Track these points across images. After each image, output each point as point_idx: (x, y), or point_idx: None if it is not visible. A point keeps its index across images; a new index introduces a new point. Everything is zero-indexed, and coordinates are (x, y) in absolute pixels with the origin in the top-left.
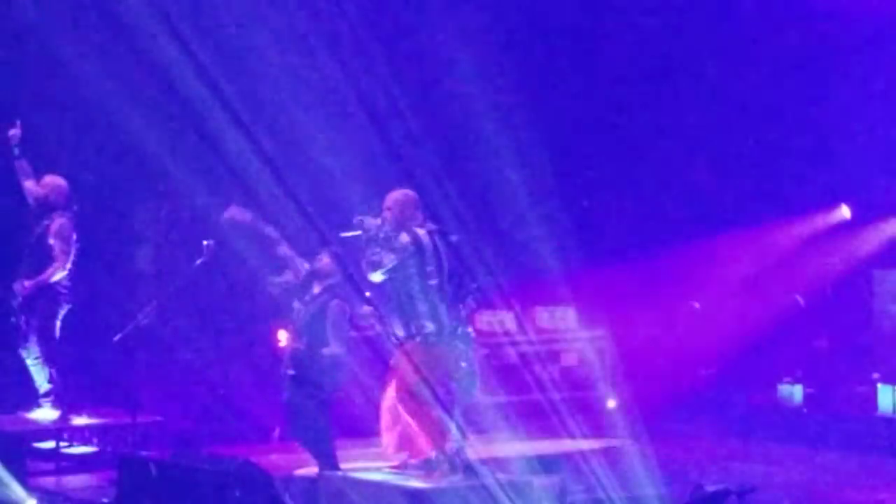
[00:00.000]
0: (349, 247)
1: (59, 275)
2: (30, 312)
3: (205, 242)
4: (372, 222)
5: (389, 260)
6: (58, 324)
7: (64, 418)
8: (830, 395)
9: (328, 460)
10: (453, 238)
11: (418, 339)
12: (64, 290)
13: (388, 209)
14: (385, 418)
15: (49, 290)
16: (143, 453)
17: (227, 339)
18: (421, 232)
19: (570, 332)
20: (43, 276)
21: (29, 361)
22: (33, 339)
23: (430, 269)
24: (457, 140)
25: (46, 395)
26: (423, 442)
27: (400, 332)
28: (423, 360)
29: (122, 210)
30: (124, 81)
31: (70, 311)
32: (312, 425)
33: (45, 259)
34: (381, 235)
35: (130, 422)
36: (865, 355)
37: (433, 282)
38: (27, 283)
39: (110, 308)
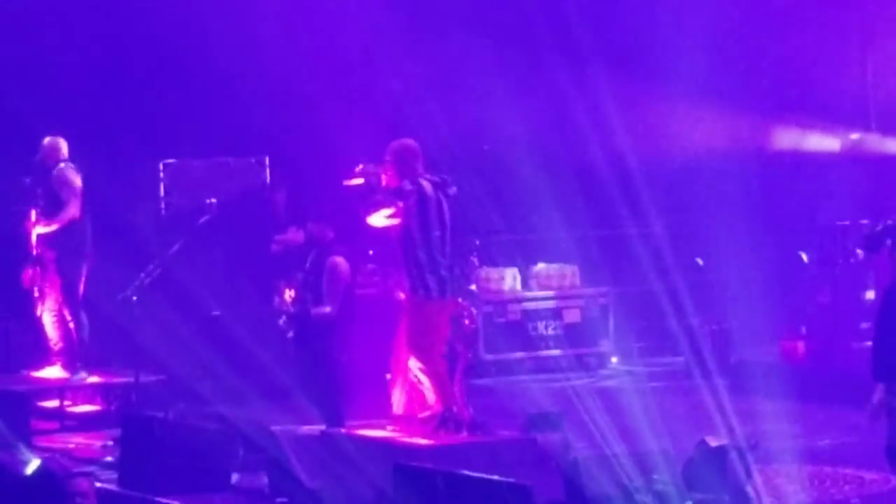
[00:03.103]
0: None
1: (73, 212)
2: (43, 267)
3: (208, 200)
4: (372, 168)
5: (392, 205)
6: (82, 280)
7: (72, 377)
8: (834, 351)
9: (334, 418)
10: (452, 190)
11: (421, 293)
12: (86, 246)
13: (388, 159)
14: (394, 375)
15: (71, 244)
16: (147, 412)
17: (231, 298)
18: (425, 183)
19: (573, 289)
20: (56, 220)
21: (46, 318)
22: (53, 295)
23: (432, 219)
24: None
25: (60, 353)
26: (429, 398)
27: (404, 287)
28: (427, 318)
29: (124, 166)
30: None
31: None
32: (320, 383)
33: (54, 208)
34: (384, 185)
35: (134, 381)
36: (869, 311)
37: (436, 233)
38: (42, 224)
39: (113, 267)
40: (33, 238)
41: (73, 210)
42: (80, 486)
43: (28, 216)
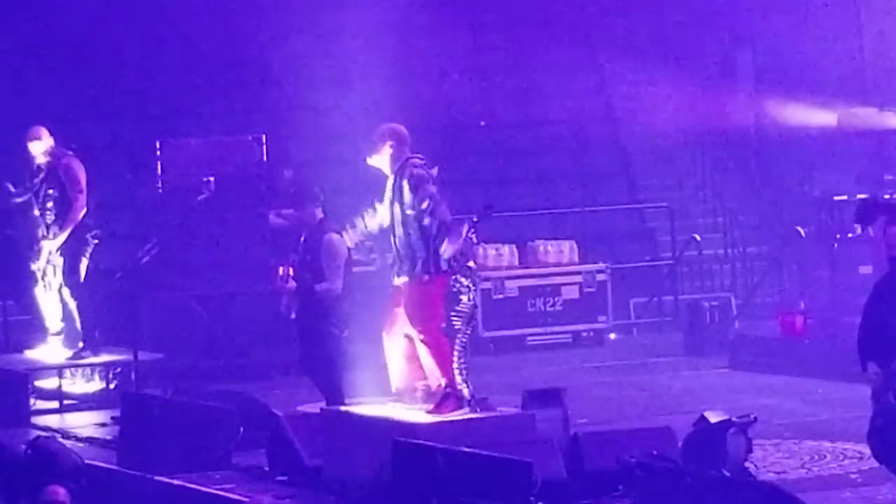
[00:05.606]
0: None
1: (81, 212)
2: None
3: (205, 178)
4: (371, 223)
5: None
6: (84, 261)
7: (74, 356)
8: (832, 325)
9: (335, 395)
10: (434, 170)
11: (432, 269)
12: (89, 229)
13: (391, 143)
14: (393, 353)
15: (74, 229)
16: (146, 391)
17: (228, 276)
18: (434, 171)
19: (571, 265)
20: (68, 219)
21: (47, 298)
22: (56, 277)
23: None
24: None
25: (59, 333)
26: (432, 374)
27: (407, 266)
28: (432, 293)
29: (121, 145)
30: None
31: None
32: (321, 360)
33: (61, 208)
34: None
35: (133, 360)
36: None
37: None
38: (54, 235)
39: (112, 246)
40: (43, 247)
41: (79, 208)
42: (56, 493)
43: (30, 206)
